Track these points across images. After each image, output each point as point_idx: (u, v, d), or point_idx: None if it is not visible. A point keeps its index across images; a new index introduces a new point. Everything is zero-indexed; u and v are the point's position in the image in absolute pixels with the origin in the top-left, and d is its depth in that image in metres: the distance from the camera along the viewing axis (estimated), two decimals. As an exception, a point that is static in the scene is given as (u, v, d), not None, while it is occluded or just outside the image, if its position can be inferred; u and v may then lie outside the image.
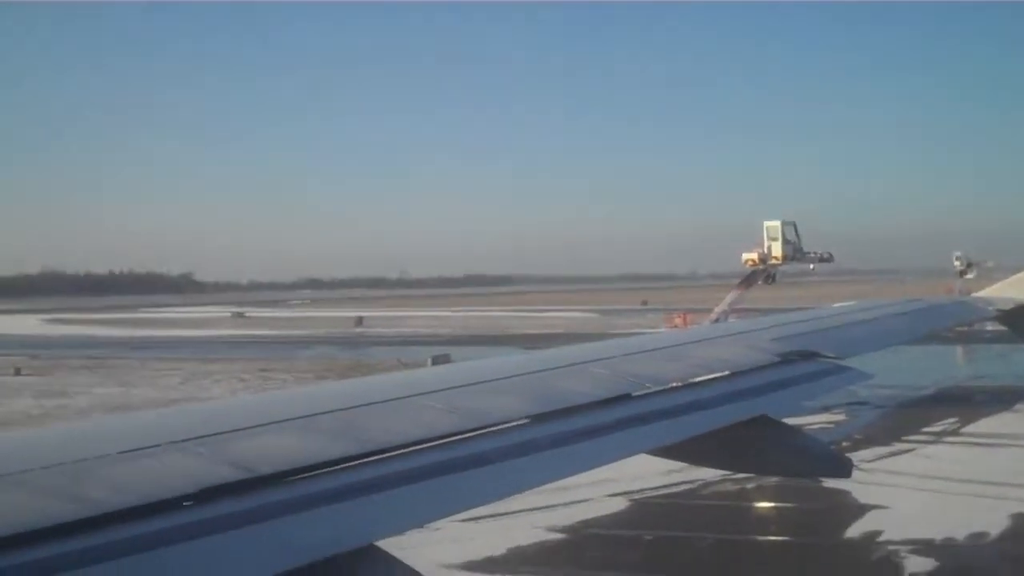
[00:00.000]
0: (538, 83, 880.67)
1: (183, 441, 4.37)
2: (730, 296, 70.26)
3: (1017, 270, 20.05)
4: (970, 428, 34.04)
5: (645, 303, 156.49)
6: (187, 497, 3.83)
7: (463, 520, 19.91)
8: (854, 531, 21.64)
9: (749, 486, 24.78)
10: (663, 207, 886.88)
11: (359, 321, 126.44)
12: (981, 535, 20.93)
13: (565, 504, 23.48)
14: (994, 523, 21.61)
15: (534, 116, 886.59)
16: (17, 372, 66.65)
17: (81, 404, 50.03)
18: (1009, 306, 17.65)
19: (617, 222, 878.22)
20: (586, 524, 22.84)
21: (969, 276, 76.10)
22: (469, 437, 5.13)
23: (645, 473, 24.89)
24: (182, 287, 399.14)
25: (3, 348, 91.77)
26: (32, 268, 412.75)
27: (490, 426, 5.31)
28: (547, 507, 22.98)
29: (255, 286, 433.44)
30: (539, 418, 5.64)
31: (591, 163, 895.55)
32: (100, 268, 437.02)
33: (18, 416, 45.54)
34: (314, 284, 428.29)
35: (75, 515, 3.47)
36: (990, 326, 36.16)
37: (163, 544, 3.53)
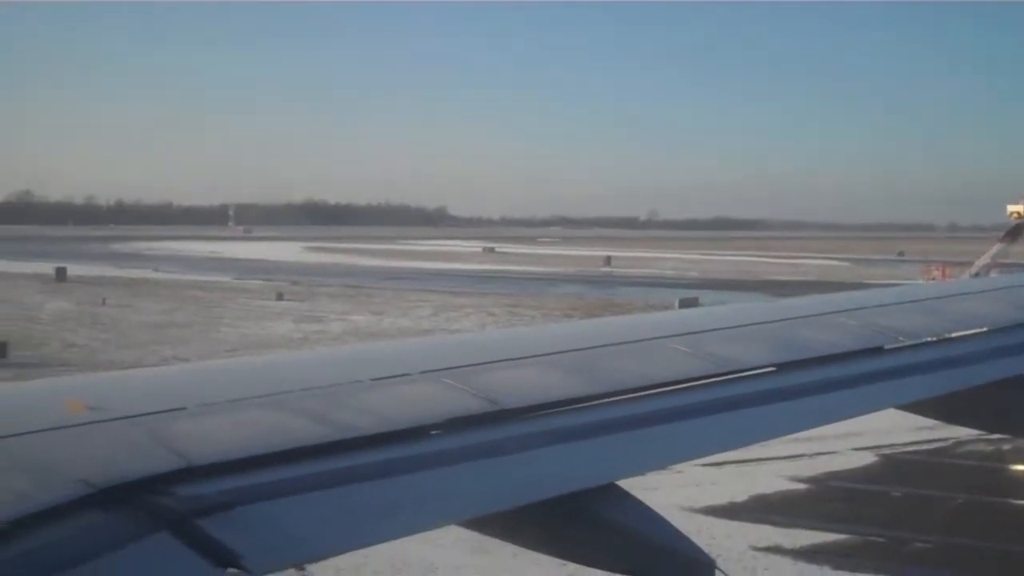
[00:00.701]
0: (810, 44, 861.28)
1: (432, 371, 4.46)
2: (993, 249, 67.73)
3: None
4: None
5: (901, 254, 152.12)
6: (435, 426, 3.92)
7: (705, 464, 19.91)
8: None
9: (1005, 447, 23.90)
10: (925, 155, 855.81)
11: (607, 261, 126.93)
12: None
13: (810, 455, 23.16)
14: None
15: (792, 63, 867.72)
16: (279, 297, 69.73)
17: (336, 330, 51.99)
18: None
19: (876, 170, 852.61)
20: (831, 476, 22.49)
21: None
22: (715, 382, 5.06)
23: (894, 428, 24.26)
24: (436, 220, 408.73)
25: (267, 274, 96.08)
26: (297, 198, 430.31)
27: (737, 372, 5.24)
28: (791, 457, 22.71)
29: (506, 222, 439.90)
30: (786, 367, 5.52)
31: (849, 109, 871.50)
32: (360, 200, 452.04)
33: (278, 339, 47.70)
34: (564, 222, 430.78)
35: (328, 437, 3.60)
36: None
37: (410, 470, 3.63)
